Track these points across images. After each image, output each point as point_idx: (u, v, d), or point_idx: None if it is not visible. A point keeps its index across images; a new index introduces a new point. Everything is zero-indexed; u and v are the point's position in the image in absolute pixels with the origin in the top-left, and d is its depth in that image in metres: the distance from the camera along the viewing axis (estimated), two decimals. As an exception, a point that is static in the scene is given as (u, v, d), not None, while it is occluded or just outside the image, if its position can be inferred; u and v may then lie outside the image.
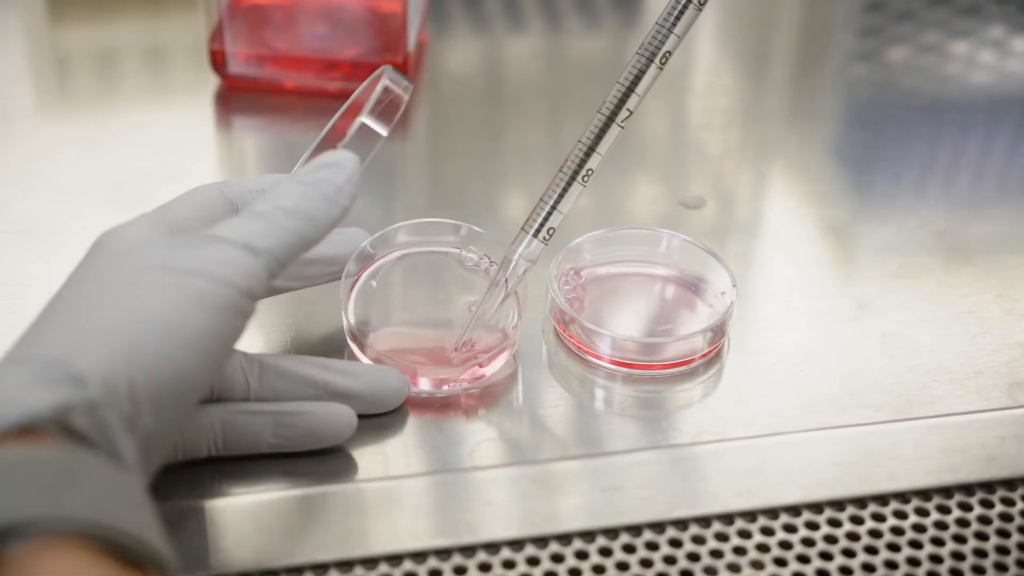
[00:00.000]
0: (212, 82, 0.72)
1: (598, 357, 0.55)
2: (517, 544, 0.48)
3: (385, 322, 0.57)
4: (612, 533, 0.49)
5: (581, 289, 0.58)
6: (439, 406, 0.54)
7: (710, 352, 0.56)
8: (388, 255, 0.58)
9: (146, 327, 0.42)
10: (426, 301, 0.58)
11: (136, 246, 0.45)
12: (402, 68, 0.70)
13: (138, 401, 0.41)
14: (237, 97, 0.72)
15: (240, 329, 0.45)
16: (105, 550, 0.37)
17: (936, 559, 0.49)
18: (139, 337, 0.42)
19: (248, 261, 0.45)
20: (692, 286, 0.59)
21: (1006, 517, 0.50)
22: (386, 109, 0.52)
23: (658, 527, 0.49)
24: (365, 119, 0.51)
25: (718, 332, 0.56)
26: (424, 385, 0.54)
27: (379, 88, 0.52)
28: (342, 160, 0.48)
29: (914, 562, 0.49)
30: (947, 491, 0.51)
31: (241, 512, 0.48)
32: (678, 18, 0.52)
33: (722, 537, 0.49)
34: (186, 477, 0.49)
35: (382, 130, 0.52)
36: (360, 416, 0.52)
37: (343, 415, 0.51)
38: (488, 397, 0.54)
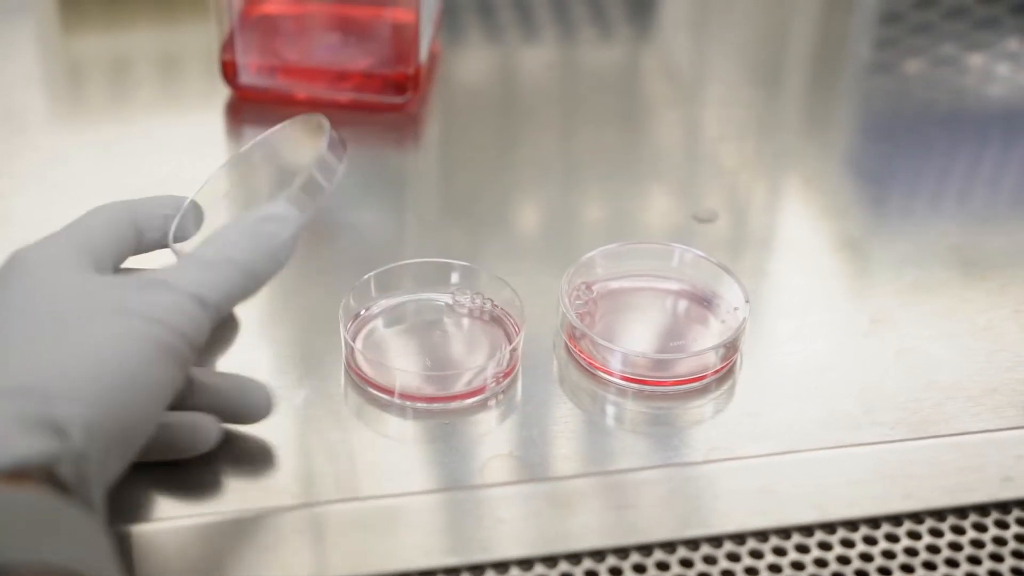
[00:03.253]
0: (224, 92, 0.72)
1: (609, 373, 0.55)
2: (527, 563, 0.48)
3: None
4: (623, 552, 0.48)
5: (592, 304, 0.58)
6: (449, 422, 0.53)
7: (722, 368, 0.56)
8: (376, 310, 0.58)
9: (115, 374, 0.42)
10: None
11: (68, 272, 0.46)
12: (414, 79, 0.70)
13: (108, 449, 0.42)
14: (248, 107, 0.72)
15: (182, 379, 0.45)
16: None
17: (950, 581, 0.48)
18: (111, 384, 0.42)
19: (199, 314, 0.45)
20: (705, 301, 0.59)
21: (1022, 538, 0.50)
22: (328, 165, 0.52)
23: (669, 546, 0.49)
24: (315, 171, 0.51)
25: (731, 348, 0.55)
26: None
27: (325, 142, 0.52)
28: (288, 216, 0.49)
29: (928, 583, 0.48)
30: (962, 511, 0.50)
31: (244, 529, 0.48)
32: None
33: (734, 557, 0.48)
34: (163, 493, 0.49)
35: (325, 185, 0.51)
36: (367, 431, 0.52)
37: (206, 425, 0.50)
38: (498, 413, 0.54)
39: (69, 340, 0.43)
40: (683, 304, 0.59)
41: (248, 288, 0.48)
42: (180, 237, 0.54)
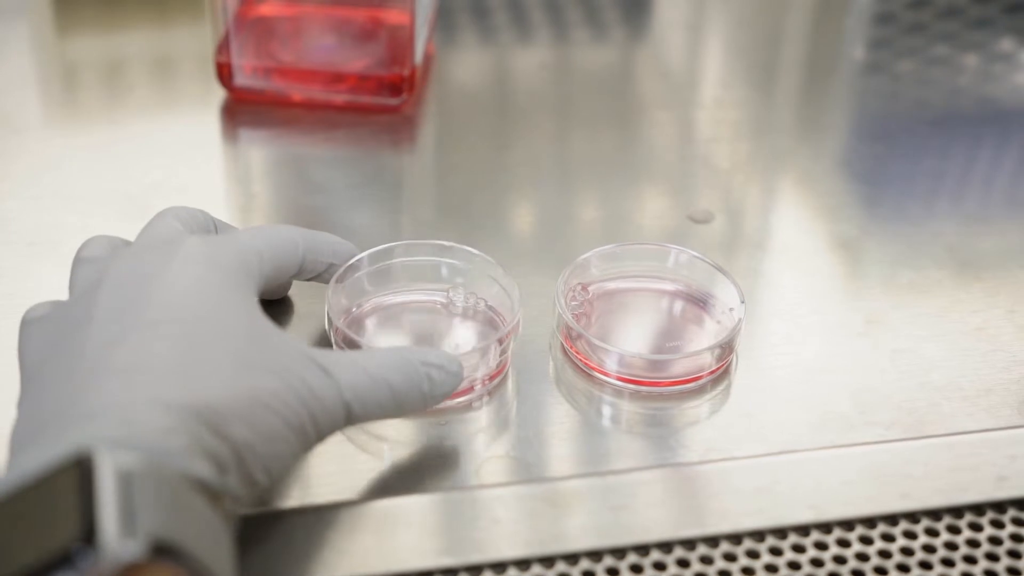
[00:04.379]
0: (219, 94, 0.72)
1: (605, 374, 0.55)
2: (523, 563, 0.48)
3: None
4: (619, 552, 0.48)
5: (588, 305, 0.58)
6: (445, 422, 0.53)
7: (718, 369, 0.56)
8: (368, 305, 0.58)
9: (263, 426, 0.44)
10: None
11: (237, 294, 0.47)
12: (409, 80, 0.70)
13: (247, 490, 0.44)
14: (244, 109, 0.72)
15: (299, 456, 0.46)
16: None
17: (946, 580, 0.49)
18: (260, 435, 0.44)
19: (340, 418, 0.46)
20: (700, 302, 0.59)
21: (1017, 538, 0.50)
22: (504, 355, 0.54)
23: (666, 547, 0.49)
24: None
25: (726, 349, 0.55)
26: None
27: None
28: (457, 375, 0.50)
29: (924, 583, 0.48)
30: (957, 511, 0.50)
31: (243, 533, 0.48)
32: None
33: (730, 557, 0.48)
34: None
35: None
36: (362, 433, 0.52)
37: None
38: (494, 414, 0.54)
39: (234, 376, 0.44)
40: (679, 305, 0.59)
41: (387, 415, 0.48)
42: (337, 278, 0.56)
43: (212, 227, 0.54)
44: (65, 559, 0.36)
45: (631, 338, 0.57)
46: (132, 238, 0.62)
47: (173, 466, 0.40)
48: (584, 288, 0.58)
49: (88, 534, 0.36)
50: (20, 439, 0.43)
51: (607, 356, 0.55)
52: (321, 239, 0.55)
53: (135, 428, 0.41)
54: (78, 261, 0.51)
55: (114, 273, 0.47)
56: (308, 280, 0.56)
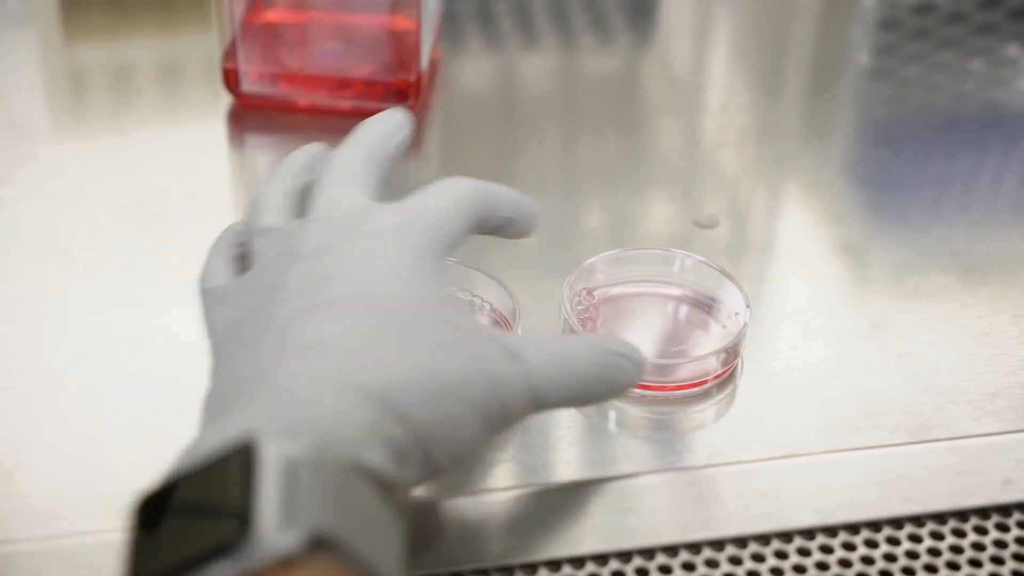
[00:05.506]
0: (226, 100, 0.72)
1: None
2: (530, 567, 0.48)
3: None
4: (625, 556, 0.48)
5: (594, 309, 0.58)
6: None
7: (723, 373, 0.56)
8: None
9: (450, 417, 0.42)
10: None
11: (424, 275, 0.45)
12: (415, 86, 0.70)
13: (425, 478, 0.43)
14: (250, 115, 0.72)
15: (486, 442, 0.45)
16: None
17: (952, 584, 0.49)
18: (447, 425, 0.42)
19: (527, 404, 0.45)
20: (706, 307, 0.59)
21: (1022, 542, 0.50)
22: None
23: (671, 550, 0.49)
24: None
25: (731, 353, 0.55)
26: None
27: None
28: (640, 364, 0.48)
29: (929, 587, 0.48)
30: (963, 515, 0.51)
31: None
32: None
33: (735, 561, 0.48)
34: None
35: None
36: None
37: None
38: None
39: (421, 360, 0.42)
40: (684, 309, 0.59)
41: (575, 403, 0.48)
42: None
43: (379, 173, 0.51)
44: (222, 549, 0.35)
45: (637, 342, 0.57)
46: (138, 243, 0.63)
47: (343, 454, 0.39)
48: (590, 293, 0.58)
49: (246, 525, 0.36)
50: (208, 411, 0.43)
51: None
52: (499, 193, 0.51)
53: (312, 411, 0.40)
54: (259, 232, 0.49)
55: (306, 245, 0.45)
56: (487, 234, 0.52)
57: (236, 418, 0.40)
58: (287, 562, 0.36)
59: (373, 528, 0.38)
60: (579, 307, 0.58)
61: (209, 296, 0.48)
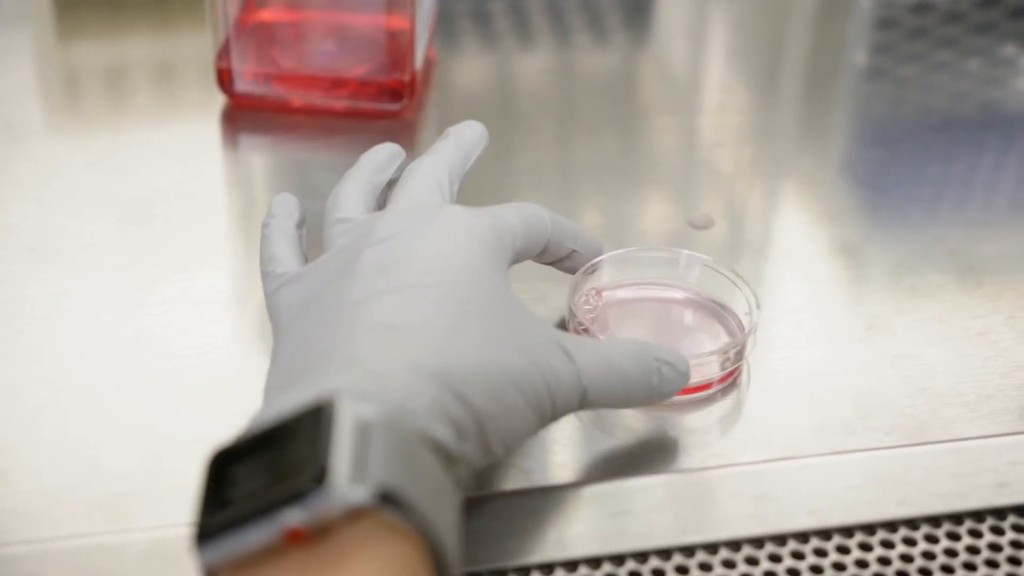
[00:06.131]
0: (220, 100, 0.72)
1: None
2: (523, 571, 0.48)
3: None
4: (618, 559, 0.48)
5: (601, 310, 0.58)
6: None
7: (727, 378, 0.55)
8: None
9: (506, 398, 0.44)
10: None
11: (490, 270, 0.48)
12: (410, 86, 0.70)
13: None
14: (244, 115, 0.72)
15: (534, 432, 0.47)
16: (423, 557, 0.39)
17: (946, 587, 0.48)
18: (503, 408, 0.44)
19: (574, 399, 0.47)
20: (714, 311, 0.59)
21: (1017, 545, 0.50)
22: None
23: (665, 553, 0.49)
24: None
25: (737, 358, 0.55)
26: None
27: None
28: (685, 374, 0.50)
29: (924, 590, 0.48)
30: (957, 518, 0.50)
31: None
32: None
33: (729, 564, 0.48)
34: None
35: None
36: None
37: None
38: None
39: (485, 348, 0.45)
40: (691, 313, 0.59)
41: (617, 405, 0.49)
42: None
43: (454, 182, 0.55)
44: (296, 496, 0.38)
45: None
46: (133, 243, 0.63)
47: (413, 423, 0.41)
48: (598, 293, 0.58)
49: (321, 476, 0.38)
50: (273, 386, 0.46)
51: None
52: (567, 225, 0.55)
53: (383, 384, 0.42)
54: (334, 221, 0.52)
55: (379, 233, 0.48)
56: (546, 263, 0.56)
57: (311, 385, 0.42)
58: (355, 514, 0.38)
59: (436, 493, 0.40)
60: (586, 307, 0.57)
61: (274, 279, 0.51)
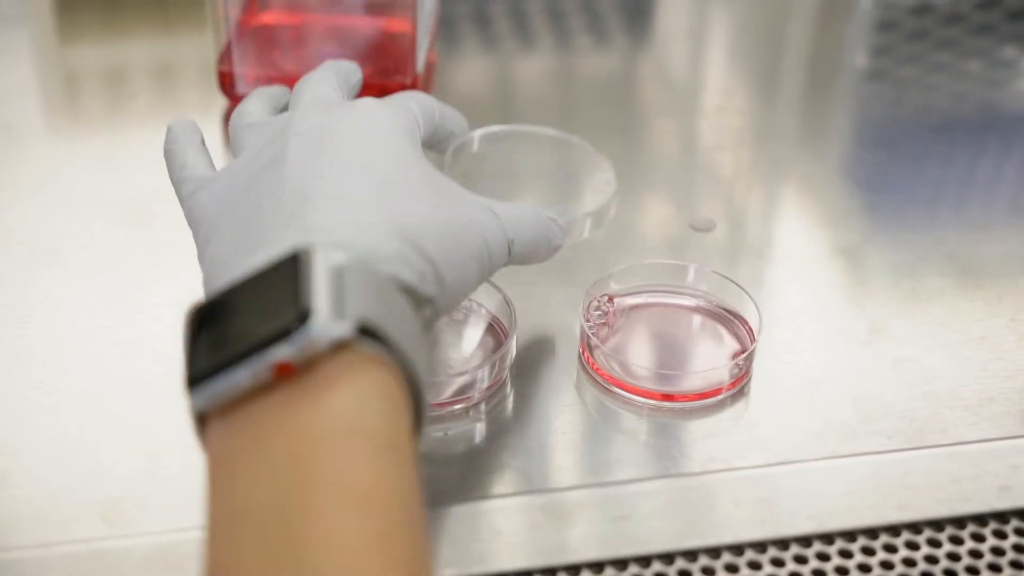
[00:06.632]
0: (221, 102, 0.72)
1: (621, 386, 0.55)
2: (525, 575, 0.48)
3: None
4: (621, 564, 0.48)
5: (612, 317, 0.58)
6: (445, 433, 0.53)
7: (734, 385, 0.55)
8: None
9: (458, 252, 0.48)
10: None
11: (413, 146, 0.50)
12: (411, 88, 0.70)
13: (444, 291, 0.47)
14: (246, 117, 0.71)
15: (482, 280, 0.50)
16: (400, 385, 0.42)
17: (948, 591, 0.48)
18: (459, 260, 0.47)
19: (505, 255, 0.51)
20: (723, 320, 0.59)
21: (1020, 548, 0.50)
22: (604, 216, 0.61)
23: (667, 558, 0.49)
24: (600, 214, 0.60)
25: (744, 368, 0.55)
26: None
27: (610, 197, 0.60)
28: (564, 231, 0.55)
29: (926, 594, 0.48)
30: (960, 522, 0.50)
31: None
32: None
33: (732, 568, 0.48)
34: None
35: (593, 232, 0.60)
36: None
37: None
38: (495, 425, 0.54)
39: (431, 207, 0.47)
40: (701, 319, 0.59)
41: (527, 258, 0.52)
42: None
43: (356, 86, 0.58)
44: (283, 333, 0.39)
45: (649, 353, 0.57)
46: (133, 246, 0.63)
47: (383, 267, 0.44)
48: (610, 299, 0.58)
49: (304, 314, 0.40)
50: (220, 262, 0.46)
51: (623, 368, 0.55)
52: (448, 109, 0.58)
53: (353, 233, 0.44)
54: (243, 127, 0.53)
55: (295, 127, 0.49)
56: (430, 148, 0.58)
57: (279, 243, 0.43)
58: (338, 347, 0.40)
59: (409, 329, 0.43)
60: (596, 312, 0.57)
61: (191, 183, 0.51)
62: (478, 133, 0.63)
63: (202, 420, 0.41)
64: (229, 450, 0.40)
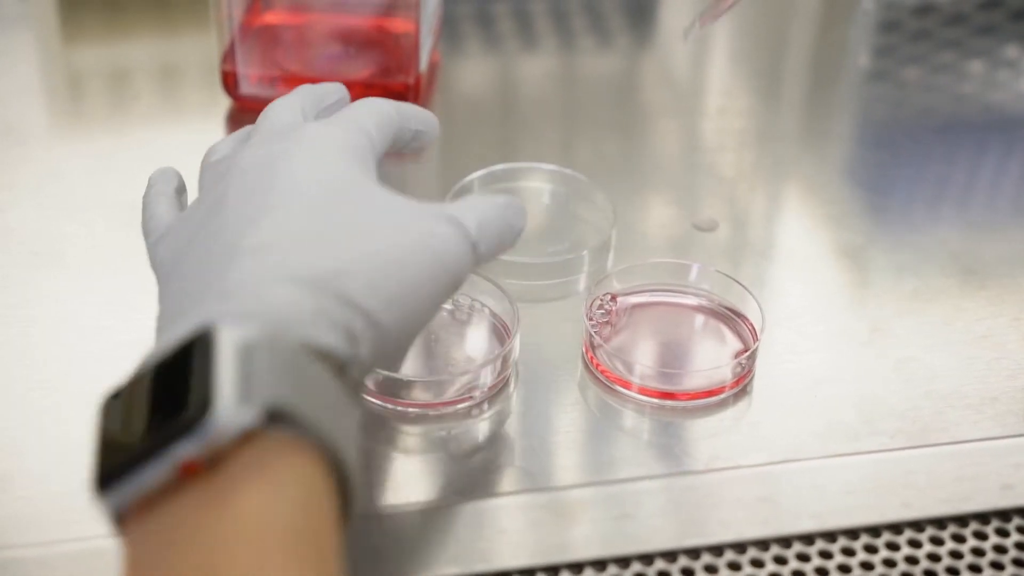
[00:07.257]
0: (224, 102, 0.72)
1: (624, 385, 0.55)
2: (528, 573, 0.48)
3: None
4: (624, 562, 0.48)
5: (615, 316, 0.58)
6: (449, 432, 0.53)
7: (737, 384, 0.55)
8: None
9: (401, 284, 0.44)
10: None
11: (353, 169, 0.47)
12: (414, 89, 0.70)
13: (385, 354, 0.44)
14: (249, 118, 0.71)
15: (449, 294, 0.47)
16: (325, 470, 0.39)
17: (951, 589, 0.48)
18: (398, 295, 0.44)
19: (469, 260, 0.47)
20: (726, 319, 0.59)
21: (1022, 547, 0.50)
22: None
23: (670, 556, 0.49)
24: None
25: (746, 366, 0.55)
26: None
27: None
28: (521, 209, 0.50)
29: (929, 592, 0.48)
30: (962, 520, 0.50)
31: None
32: None
33: (734, 566, 0.48)
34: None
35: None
36: (368, 441, 0.52)
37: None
38: (498, 424, 0.54)
39: (360, 242, 0.44)
40: (704, 318, 0.59)
41: (497, 252, 0.48)
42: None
43: (334, 106, 0.55)
44: (184, 429, 0.37)
45: (652, 351, 0.57)
46: (136, 247, 0.63)
47: (295, 335, 0.41)
48: (613, 298, 0.58)
49: (205, 404, 0.37)
50: (161, 325, 0.45)
51: (624, 367, 0.55)
52: (406, 106, 0.54)
53: (261, 303, 0.41)
54: (205, 167, 0.51)
55: (240, 164, 0.48)
56: (398, 152, 0.55)
57: (190, 318, 0.41)
58: (247, 436, 0.37)
59: (328, 403, 0.40)
60: (599, 311, 0.57)
61: (154, 234, 0.50)
62: (477, 175, 0.62)
63: (121, 520, 0.39)
64: (140, 559, 0.38)
